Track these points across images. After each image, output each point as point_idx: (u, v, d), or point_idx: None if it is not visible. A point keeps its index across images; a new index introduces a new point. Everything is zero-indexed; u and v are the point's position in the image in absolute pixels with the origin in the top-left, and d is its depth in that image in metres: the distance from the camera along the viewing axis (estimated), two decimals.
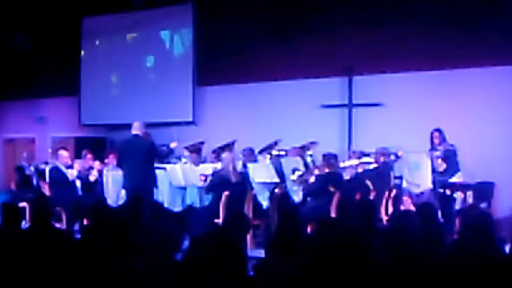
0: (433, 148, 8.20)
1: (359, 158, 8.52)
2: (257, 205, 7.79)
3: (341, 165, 8.29)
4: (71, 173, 8.72)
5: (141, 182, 7.53)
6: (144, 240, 3.81)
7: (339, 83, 9.97)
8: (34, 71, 12.41)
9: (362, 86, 9.73)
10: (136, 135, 7.78)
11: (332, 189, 7.45)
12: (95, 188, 8.92)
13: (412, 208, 6.89)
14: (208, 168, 8.26)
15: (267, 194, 7.88)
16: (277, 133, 9.35)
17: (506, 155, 8.50)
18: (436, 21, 9.10)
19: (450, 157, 8.02)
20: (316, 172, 7.89)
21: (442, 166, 7.94)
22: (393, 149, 8.52)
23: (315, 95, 10.04)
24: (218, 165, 8.09)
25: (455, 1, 9.02)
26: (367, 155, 8.55)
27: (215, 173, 7.94)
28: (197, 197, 8.27)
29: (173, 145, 8.42)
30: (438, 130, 8.27)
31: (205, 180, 7.98)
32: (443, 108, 8.99)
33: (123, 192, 8.15)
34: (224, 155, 8.13)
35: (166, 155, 8.54)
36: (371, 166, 8.39)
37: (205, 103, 11.17)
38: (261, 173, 7.91)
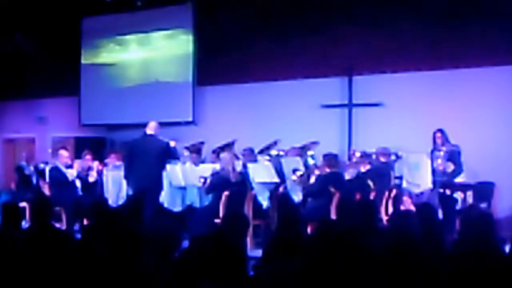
0: (435, 148, 8.19)
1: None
2: (257, 205, 7.79)
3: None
4: (71, 173, 8.71)
5: (151, 182, 7.55)
6: (144, 240, 3.81)
7: (339, 83, 9.96)
8: (34, 71, 12.42)
9: (362, 86, 9.73)
10: (151, 135, 7.81)
11: (332, 189, 7.44)
12: (95, 188, 8.92)
13: (412, 208, 6.89)
14: (208, 169, 8.27)
15: (267, 194, 7.88)
16: (277, 133, 9.35)
17: (506, 155, 8.49)
18: (436, 21, 9.09)
19: (454, 158, 7.99)
20: (317, 172, 7.89)
21: (449, 167, 7.89)
22: (393, 149, 8.51)
23: (315, 95, 10.04)
24: (217, 166, 8.09)
25: (455, 1, 9.02)
26: (369, 155, 8.54)
27: (214, 174, 7.94)
28: (197, 197, 8.27)
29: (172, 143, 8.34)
30: (441, 130, 8.24)
31: (204, 183, 7.98)
32: (443, 108, 8.99)
33: (123, 192, 8.15)
34: (223, 155, 8.14)
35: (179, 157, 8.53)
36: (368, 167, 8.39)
37: (205, 103, 11.17)
38: (261, 173, 7.91)
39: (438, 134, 8.21)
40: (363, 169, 8.32)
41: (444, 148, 8.06)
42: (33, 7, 11.54)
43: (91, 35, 12.10)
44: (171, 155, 7.98)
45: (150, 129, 7.86)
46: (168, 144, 7.96)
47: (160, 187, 7.81)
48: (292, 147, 8.78)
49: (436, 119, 8.68)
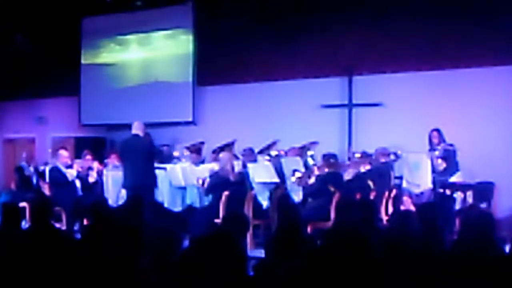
0: (432, 148, 8.20)
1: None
2: (257, 205, 7.78)
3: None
4: (71, 173, 8.71)
5: (141, 182, 7.55)
6: (144, 240, 3.81)
7: (339, 83, 9.97)
8: (34, 71, 12.41)
9: (362, 86, 9.73)
10: (136, 135, 7.80)
11: (332, 189, 7.44)
12: (95, 188, 8.92)
13: (412, 208, 6.89)
14: (208, 169, 8.26)
15: (267, 194, 7.88)
16: (277, 133, 9.36)
17: (506, 155, 8.50)
18: (436, 21, 9.09)
19: (450, 157, 8.02)
20: (316, 172, 7.89)
21: (442, 165, 7.94)
22: (393, 149, 8.52)
23: (315, 95, 10.04)
24: (216, 166, 8.08)
25: (455, 1, 9.02)
26: (369, 155, 8.54)
27: (213, 174, 7.93)
28: (197, 197, 8.27)
29: (175, 153, 8.45)
30: (437, 130, 8.29)
31: (203, 184, 7.97)
32: (443, 108, 8.99)
33: (123, 192, 8.16)
34: (221, 155, 8.14)
35: (164, 157, 8.59)
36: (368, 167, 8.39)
37: (205, 103, 11.17)
38: (261, 173, 7.91)
39: (435, 134, 8.25)
40: (363, 169, 8.32)
41: (440, 148, 8.07)
42: (33, 7, 11.54)
43: (91, 35, 12.10)
44: (154, 153, 8.01)
45: (135, 129, 7.84)
46: (150, 143, 7.99)
47: (151, 186, 7.77)
48: (292, 147, 8.79)
49: (436, 119, 8.69)
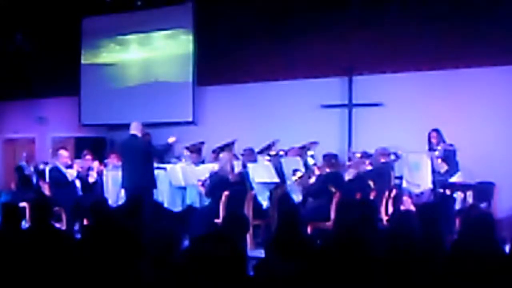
0: (431, 148, 8.20)
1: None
2: (257, 205, 7.78)
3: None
4: (71, 173, 8.71)
5: (139, 182, 7.53)
6: (144, 240, 3.81)
7: (339, 83, 9.97)
8: (34, 71, 12.43)
9: (362, 86, 9.73)
10: (133, 135, 7.78)
11: (332, 189, 7.44)
12: (95, 188, 8.92)
13: (412, 208, 6.88)
14: (208, 169, 8.25)
15: (267, 194, 7.88)
16: (277, 133, 9.35)
17: (506, 155, 8.50)
18: (436, 21, 9.10)
19: (450, 157, 8.02)
20: (317, 172, 7.89)
21: (443, 167, 7.93)
22: (393, 149, 8.52)
23: (315, 95, 10.04)
24: (216, 166, 8.08)
25: (455, 1, 9.02)
26: (369, 155, 8.54)
27: (213, 175, 7.93)
28: (197, 197, 8.27)
29: (171, 139, 8.26)
30: (436, 130, 8.29)
31: (203, 185, 7.97)
32: (443, 108, 8.99)
33: (123, 192, 8.16)
34: (222, 155, 8.14)
35: (165, 152, 8.50)
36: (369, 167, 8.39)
37: (205, 103, 11.17)
38: (261, 173, 7.91)
39: (434, 134, 8.24)
40: (363, 169, 8.31)
41: (439, 148, 8.07)
42: (33, 7, 11.54)
43: (91, 35, 12.10)
44: (153, 153, 7.97)
45: (132, 129, 7.82)
46: (148, 143, 7.97)
47: (150, 186, 7.75)
48: (292, 147, 8.79)
49: (436, 119, 8.69)
